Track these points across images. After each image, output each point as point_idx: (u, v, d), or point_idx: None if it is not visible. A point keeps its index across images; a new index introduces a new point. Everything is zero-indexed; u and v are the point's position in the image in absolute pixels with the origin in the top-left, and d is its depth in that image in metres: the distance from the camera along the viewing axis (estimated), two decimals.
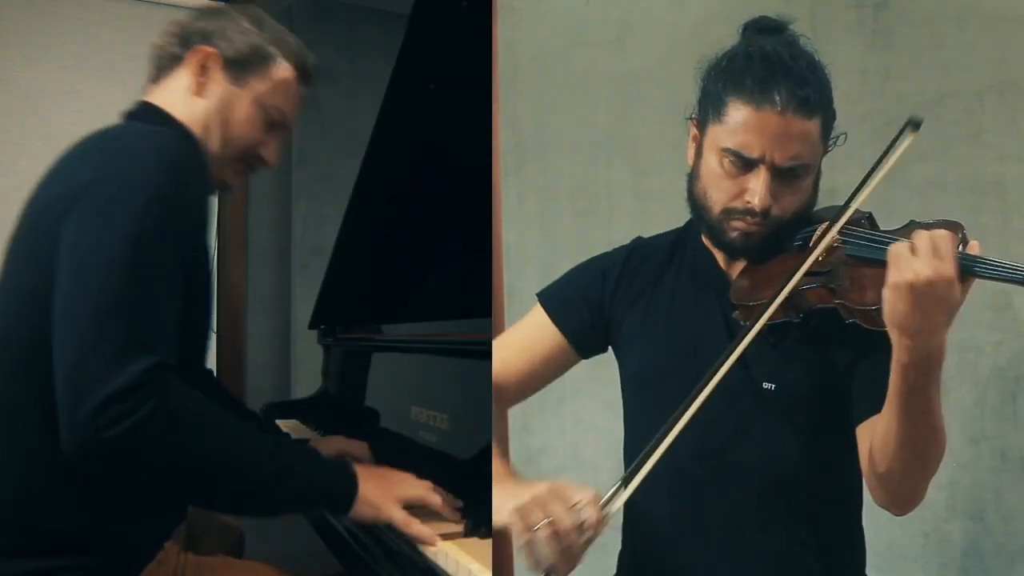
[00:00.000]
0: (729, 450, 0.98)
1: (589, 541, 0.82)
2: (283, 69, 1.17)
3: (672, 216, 1.10)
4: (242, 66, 1.13)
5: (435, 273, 1.85)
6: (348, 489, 1.01)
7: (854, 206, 0.92)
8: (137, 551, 1.02)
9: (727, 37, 1.03)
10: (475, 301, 1.25)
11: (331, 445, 1.39)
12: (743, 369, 0.96)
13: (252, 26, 1.15)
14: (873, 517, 1.02)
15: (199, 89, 1.12)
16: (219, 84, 1.12)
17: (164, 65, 1.14)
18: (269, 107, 1.16)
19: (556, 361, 1.10)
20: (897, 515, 0.95)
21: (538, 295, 1.12)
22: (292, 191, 2.57)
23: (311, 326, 2.03)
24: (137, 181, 0.92)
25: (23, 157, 2.18)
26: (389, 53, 1.56)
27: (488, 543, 0.97)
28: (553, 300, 1.11)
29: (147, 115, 1.11)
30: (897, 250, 0.81)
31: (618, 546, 1.12)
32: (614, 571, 1.11)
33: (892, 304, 0.80)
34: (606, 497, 0.84)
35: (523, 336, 1.11)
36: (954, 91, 1.52)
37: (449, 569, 0.93)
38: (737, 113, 0.95)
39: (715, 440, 0.97)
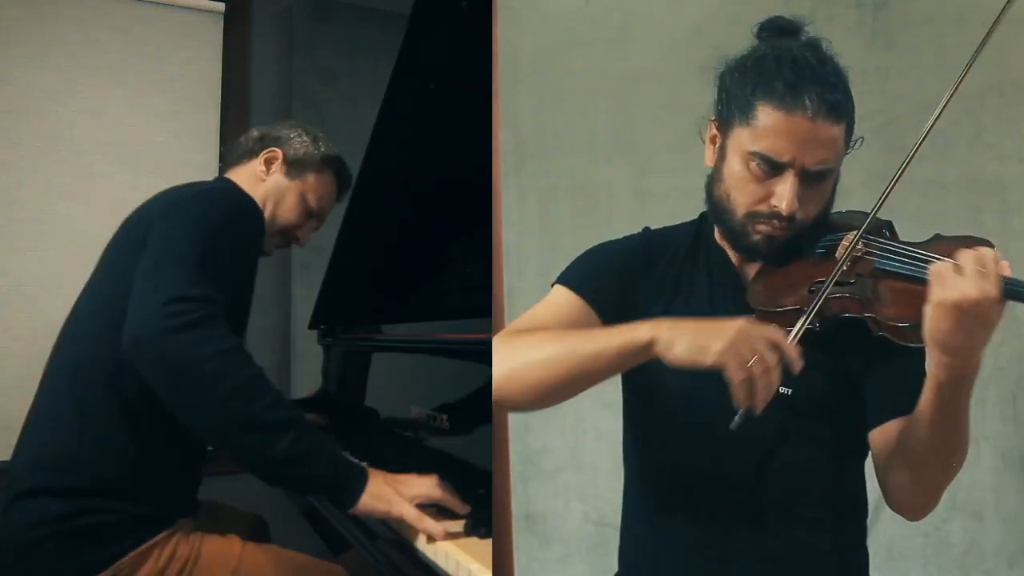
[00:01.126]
0: (743, 452, 0.97)
1: (780, 373, 0.84)
2: (327, 175, 1.55)
3: (672, 216, 1.10)
4: (297, 166, 1.51)
5: (435, 273, 1.85)
6: (356, 480, 1.05)
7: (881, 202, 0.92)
8: (169, 506, 1.20)
9: (727, 37, 1.02)
10: (475, 301, 1.25)
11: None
12: None
13: (310, 140, 1.53)
14: (873, 518, 1.02)
15: (263, 176, 1.48)
16: (278, 175, 1.49)
17: (240, 156, 1.51)
18: (309, 199, 1.52)
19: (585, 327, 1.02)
20: (911, 520, 0.95)
21: (555, 281, 1.06)
22: None
23: (311, 326, 2.03)
24: (217, 203, 1.24)
25: (23, 157, 2.18)
26: (389, 53, 1.56)
27: (488, 543, 0.97)
28: (572, 276, 1.05)
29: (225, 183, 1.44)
30: (942, 269, 0.81)
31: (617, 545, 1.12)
32: (615, 570, 1.11)
33: (935, 323, 0.80)
34: (794, 332, 0.87)
35: (545, 310, 1.03)
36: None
37: (449, 569, 0.93)
38: (767, 117, 0.94)
39: (729, 441, 0.97)
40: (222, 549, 1.22)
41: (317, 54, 2.58)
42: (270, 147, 1.50)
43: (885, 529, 1.50)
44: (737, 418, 0.85)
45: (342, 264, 1.89)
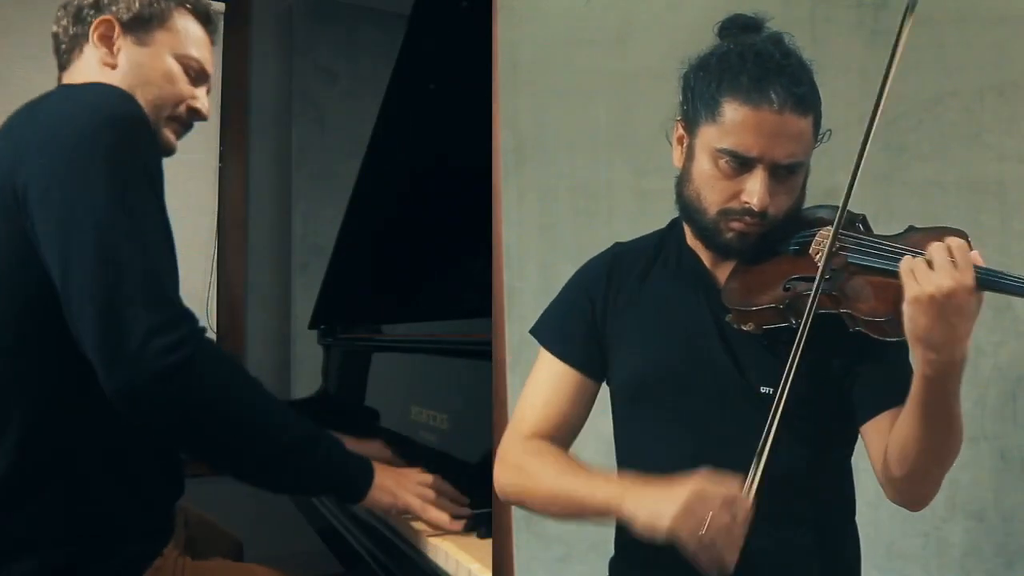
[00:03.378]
0: (726, 454, 0.97)
1: (745, 527, 0.84)
2: (184, 18, 1.16)
3: (672, 216, 1.10)
4: (142, 25, 1.12)
5: (435, 273, 1.85)
6: (364, 475, 1.04)
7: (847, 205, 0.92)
8: (132, 558, 1.00)
9: None
10: (475, 301, 1.25)
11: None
12: (739, 374, 0.96)
13: None
14: (873, 517, 1.02)
15: (109, 59, 1.11)
16: (127, 49, 1.11)
17: (68, 49, 1.13)
18: (182, 57, 1.15)
19: (583, 397, 1.07)
20: (913, 511, 0.95)
21: (534, 334, 1.09)
22: (292, 191, 2.58)
23: (311, 326, 2.03)
24: (92, 125, 0.91)
25: None
26: (389, 53, 1.56)
27: (488, 543, 0.97)
28: (554, 340, 1.08)
29: None
30: (913, 264, 0.81)
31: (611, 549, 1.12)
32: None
33: (914, 319, 0.80)
34: (748, 482, 0.86)
35: (543, 390, 1.06)
36: (954, 91, 1.52)
37: (449, 569, 0.93)
38: (734, 113, 0.94)
39: (712, 444, 0.97)
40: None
41: (317, 54, 2.58)
42: (95, 18, 1.11)
43: (885, 529, 1.50)
44: None
45: (342, 264, 1.89)
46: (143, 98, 1.08)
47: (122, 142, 0.91)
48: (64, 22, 1.14)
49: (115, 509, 0.97)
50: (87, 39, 1.11)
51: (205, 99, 1.20)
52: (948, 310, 0.78)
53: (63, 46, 1.14)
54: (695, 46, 1.02)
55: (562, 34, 1.76)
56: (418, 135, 1.64)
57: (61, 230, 0.87)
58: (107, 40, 1.11)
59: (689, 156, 1.00)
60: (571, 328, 1.08)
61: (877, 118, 0.89)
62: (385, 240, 1.87)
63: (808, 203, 1.02)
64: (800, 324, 0.93)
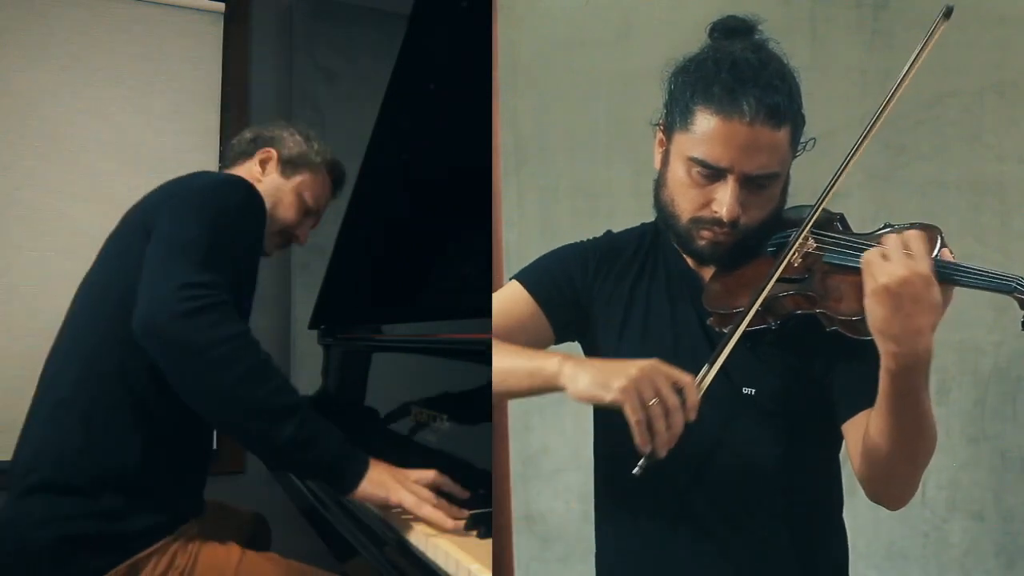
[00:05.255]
0: (709, 453, 0.97)
1: (687, 422, 0.84)
2: (321, 172, 1.56)
3: None
4: (292, 165, 1.52)
5: (435, 273, 1.85)
6: (356, 465, 1.07)
7: (827, 199, 0.92)
8: (172, 509, 1.17)
9: None
10: (475, 301, 1.25)
11: None
12: (722, 374, 0.96)
13: (303, 139, 1.54)
14: (874, 518, 1.02)
15: (259, 177, 1.50)
16: (273, 175, 1.51)
17: (236, 156, 1.54)
18: (306, 197, 1.53)
19: (529, 330, 1.05)
20: (891, 510, 0.95)
21: (513, 276, 1.08)
22: None
23: (311, 326, 2.03)
24: (225, 194, 1.22)
25: (23, 157, 2.18)
26: (389, 53, 1.56)
27: (488, 543, 0.97)
28: (529, 275, 1.07)
29: None
30: (869, 257, 0.82)
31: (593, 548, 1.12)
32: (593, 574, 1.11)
33: (873, 311, 0.81)
34: (699, 378, 0.86)
35: (498, 309, 1.05)
36: (954, 91, 1.52)
37: (449, 569, 0.93)
38: (705, 122, 0.93)
39: (695, 444, 0.97)
40: (219, 559, 1.19)
41: (317, 54, 2.58)
42: (264, 147, 1.52)
43: (885, 529, 1.50)
44: (640, 462, 0.84)
45: (342, 264, 1.89)
46: (267, 210, 1.39)
47: (237, 214, 1.21)
48: (243, 139, 1.55)
49: (145, 472, 1.14)
50: (252, 158, 1.52)
51: (306, 230, 1.58)
52: (904, 299, 0.79)
53: (233, 154, 1.55)
54: (695, 46, 1.02)
55: (562, 34, 1.76)
56: (418, 135, 1.64)
57: (158, 238, 1.14)
58: (264, 164, 1.51)
59: (665, 161, 1.00)
60: (551, 271, 1.07)
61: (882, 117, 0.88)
62: (385, 240, 1.87)
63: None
64: (780, 324, 0.93)
